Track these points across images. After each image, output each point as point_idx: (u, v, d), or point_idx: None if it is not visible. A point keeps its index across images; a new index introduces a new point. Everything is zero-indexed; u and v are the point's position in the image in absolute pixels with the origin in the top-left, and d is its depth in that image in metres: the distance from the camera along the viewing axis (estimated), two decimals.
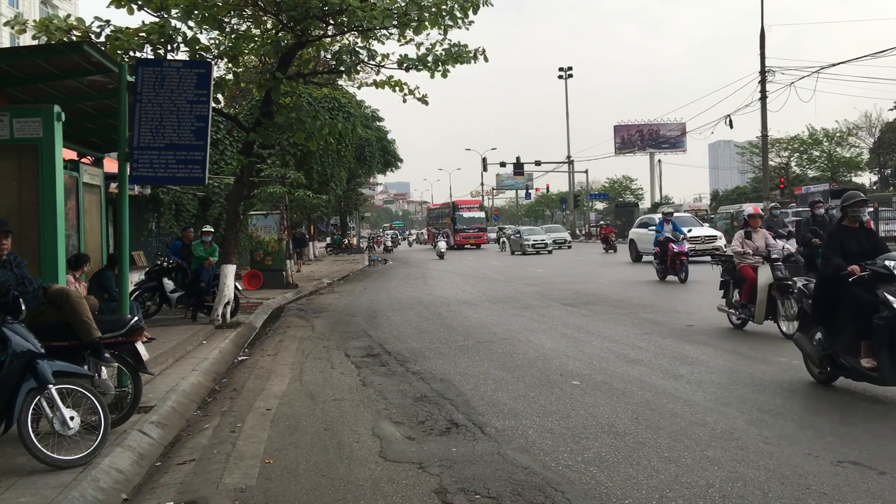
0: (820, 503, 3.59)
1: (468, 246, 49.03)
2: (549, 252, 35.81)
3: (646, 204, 72.58)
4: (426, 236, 66.70)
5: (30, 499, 3.89)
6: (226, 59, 12.31)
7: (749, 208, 22.26)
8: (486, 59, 12.09)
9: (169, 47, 10.55)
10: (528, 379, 6.76)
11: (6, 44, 40.95)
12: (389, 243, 56.07)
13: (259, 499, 4.04)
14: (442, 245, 36.14)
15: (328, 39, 13.68)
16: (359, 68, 12.78)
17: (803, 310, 6.27)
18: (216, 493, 4.17)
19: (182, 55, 10.89)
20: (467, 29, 11.80)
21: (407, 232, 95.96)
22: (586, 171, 62.96)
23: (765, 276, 8.59)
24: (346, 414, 5.84)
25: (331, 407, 6.11)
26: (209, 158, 7.01)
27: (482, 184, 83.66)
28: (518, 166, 56.17)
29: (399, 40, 12.13)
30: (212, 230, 12.37)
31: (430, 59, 11.83)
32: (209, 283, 11.63)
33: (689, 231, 19.98)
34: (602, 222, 48.64)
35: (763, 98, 30.58)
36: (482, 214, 52.57)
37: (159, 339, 9.11)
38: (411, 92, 12.45)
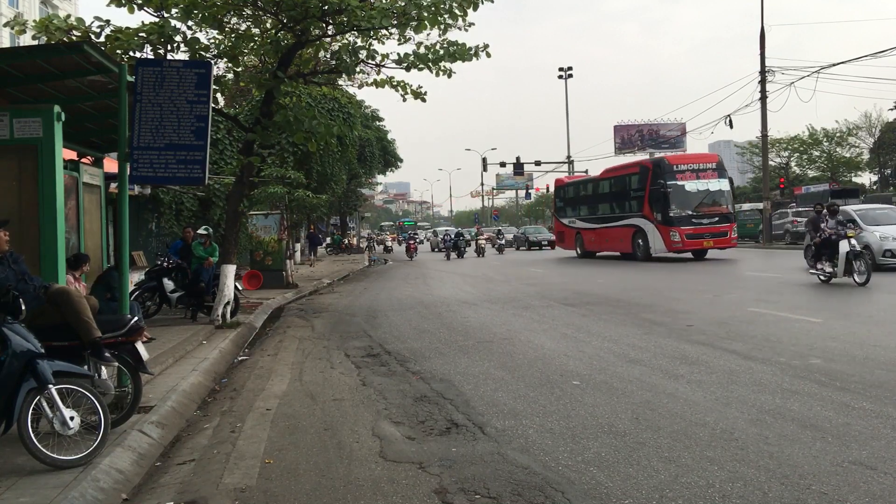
0: (820, 503, 3.59)
1: (676, 249, 23.86)
2: None
3: None
4: (553, 234, 37.13)
5: (30, 499, 3.89)
6: (226, 59, 12.31)
7: None
8: (488, 55, 12.08)
9: (169, 47, 10.57)
10: (528, 379, 6.76)
11: (6, 44, 40.95)
12: (404, 244, 37.81)
13: (259, 499, 4.04)
14: None
15: (328, 39, 13.68)
16: (359, 68, 12.79)
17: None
18: (216, 493, 4.17)
19: (182, 55, 10.91)
20: (466, 30, 11.83)
21: (472, 231, 45.80)
22: (586, 171, 62.98)
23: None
24: (346, 414, 5.84)
25: (331, 407, 6.11)
26: (209, 158, 7.01)
27: (482, 184, 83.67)
28: (518, 166, 56.20)
29: (399, 40, 12.14)
30: (205, 232, 12.29)
31: (430, 57, 11.83)
32: (209, 283, 11.62)
33: None
34: None
35: (763, 98, 30.59)
36: (725, 184, 24.54)
37: (159, 339, 9.11)
38: (413, 92, 12.46)
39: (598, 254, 29.73)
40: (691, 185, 23.98)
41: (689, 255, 24.78)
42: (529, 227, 53.83)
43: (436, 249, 43.59)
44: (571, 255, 31.34)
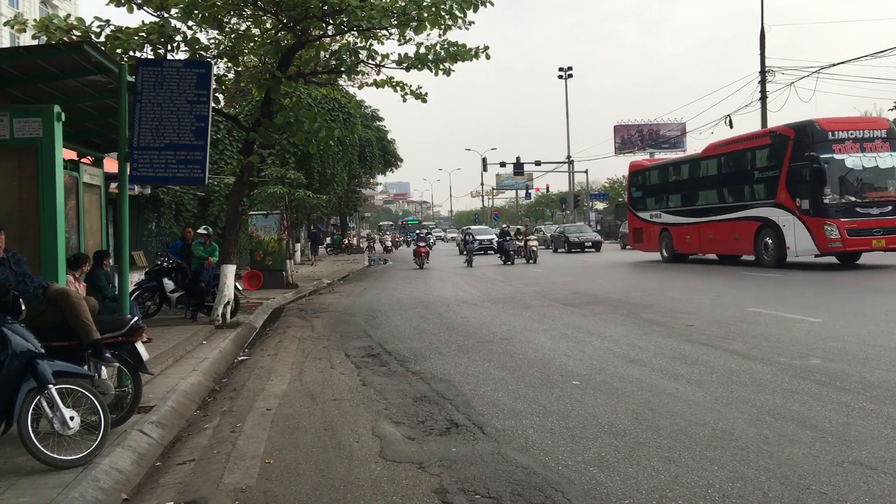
0: (820, 503, 3.59)
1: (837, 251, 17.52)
2: None
3: None
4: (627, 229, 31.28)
5: (30, 499, 3.89)
6: (226, 59, 12.32)
7: None
8: (487, 57, 12.08)
9: (169, 47, 10.57)
10: (528, 379, 6.76)
11: (6, 44, 40.95)
12: (413, 245, 31.12)
13: (259, 499, 4.04)
14: None
15: (328, 39, 13.68)
16: (359, 68, 12.79)
17: None
18: (216, 493, 4.17)
19: (182, 55, 10.92)
20: (467, 29, 11.83)
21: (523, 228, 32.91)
22: (586, 171, 62.98)
23: None
24: (346, 414, 5.84)
25: (331, 407, 6.11)
26: (209, 158, 7.01)
27: (482, 184, 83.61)
28: (518, 166, 56.15)
29: (399, 40, 12.14)
30: (205, 232, 12.29)
31: (430, 57, 11.83)
32: (209, 283, 11.63)
33: None
34: None
35: (763, 98, 30.58)
36: None
37: (159, 339, 9.11)
38: (412, 93, 12.46)
39: (690, 257, 23.66)
40: (854, 160, 17.07)
41: (832, 259, 18.26)
42: (570, 225, 43.68)
43: (463, 253, 33.16)
44: (652, 258, 24.97)
